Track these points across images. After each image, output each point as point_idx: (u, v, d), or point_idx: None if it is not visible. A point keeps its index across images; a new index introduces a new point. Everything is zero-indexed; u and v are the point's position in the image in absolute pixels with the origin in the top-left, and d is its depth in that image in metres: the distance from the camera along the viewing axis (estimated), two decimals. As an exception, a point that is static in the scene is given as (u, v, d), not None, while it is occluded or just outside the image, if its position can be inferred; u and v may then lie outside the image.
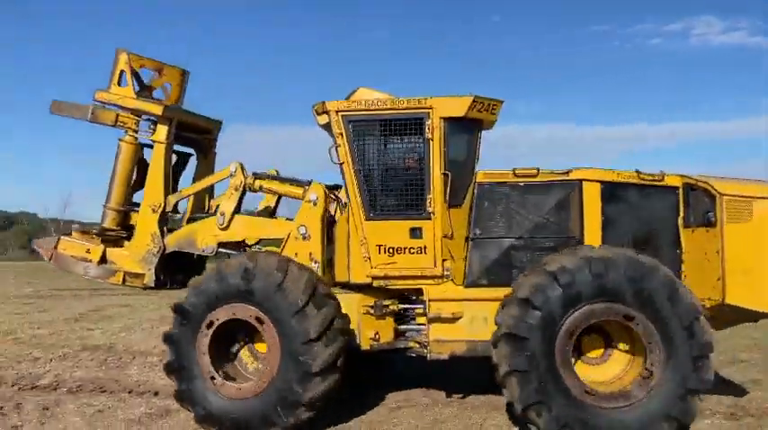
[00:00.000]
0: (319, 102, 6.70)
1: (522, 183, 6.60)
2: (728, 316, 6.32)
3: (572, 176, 6.53)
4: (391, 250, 6.62)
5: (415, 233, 6.57)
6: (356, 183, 6.65)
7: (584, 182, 6.47)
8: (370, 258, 6.64)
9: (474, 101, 6.48)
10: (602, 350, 6.16)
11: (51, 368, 9.13)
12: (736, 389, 7.71)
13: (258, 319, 6.11)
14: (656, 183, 6.48)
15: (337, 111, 6.61)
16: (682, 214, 6.39)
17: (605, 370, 6.07)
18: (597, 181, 6.47)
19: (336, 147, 6.68)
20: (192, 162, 8.31)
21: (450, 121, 6.51)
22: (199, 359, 6.20)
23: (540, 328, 5.61)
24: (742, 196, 6.15)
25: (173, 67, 8.01)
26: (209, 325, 6.19)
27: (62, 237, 7.69)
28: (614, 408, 5.59)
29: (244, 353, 6.67)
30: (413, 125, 6.54)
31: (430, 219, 6.52)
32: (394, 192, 6.72)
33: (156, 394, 7.71)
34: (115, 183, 7.59)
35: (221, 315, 6.18)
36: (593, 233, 6.41)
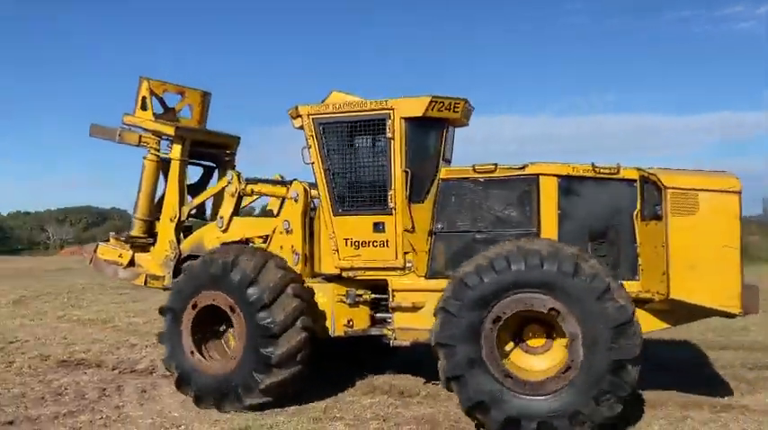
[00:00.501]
0: (293, 106, 7.18)
1: (481, 179, 6.79)
2: (681, 311, 6.20)
3: (528, 171, 6.62)
4: (357, 243, 7.03)
5: (378, 227, 6.94)
6: (325, 182, 7.13)
7: (540, 176, 6.54)
8: (338, 251, 7.10)
9: (432, 101, 6.74)
10: (543, 340, 6.21)
11: (147, 354, 9.80)
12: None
13: (231, 308, 6.81)
14: (612, 176, 6.38)
15: (309, 115, 7.09)
16: (638, 207, 6.23)
17: (542, 360, 6.14)
18: (553, 175, 6.50)
19: (308, 148, 7.16)
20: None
21: (411, 121, 6.81)
22: (183, 334, 7.02)
23: (469, 308, 5.88)
24: (687, 188, 6.01)
25: (194, 90, 8.91)
26: (194, 306, 7.01)
27: (100, 243, 8.84)
28: (530, 396, 5.77)
29: (230, 334, 7.26)
30: (376, 125, 6.91)
31: (391, 214, 6.85)
32: (359, 189, 7.09)
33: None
34: (141, 196, 8.51)
35: (203, 300, 6.97)
36: (549, 226, 6.48)
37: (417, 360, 9.27)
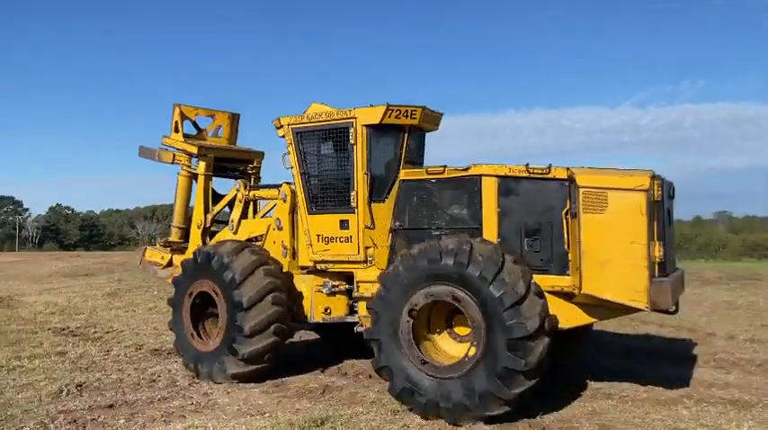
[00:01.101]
0: (276, 118, 8.07)
1: (433, 180, 7.30)
2: (602, 306, 6.39)
3: (471, 172, 7.04)
4: (326, 239, 7.83)
5: (344, 225, 7.67)
6: (301, 184, 7.99)
7: (482, 177, 6.93)
8: (311, 245, 7.93)
9: (387, 109, 7.38)
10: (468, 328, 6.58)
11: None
12: None
13: (215, 292, 7.97)
14: (544, 176, 6.61)
15: (288, 125, 7.97)
16: (567, 206, 6.42)
17: (465, 346, 6.54)
18: (493, 175, 6.88)
19: (288, 154, 8.05)
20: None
21: (371, 128, 7.49)
22: (184, 319, 8.29)
23: (388, 304, 6.61)
24: (596, 187, 6.32)
25: (223, 113, 10.09)
26: (190, 294, 8.27)
27: (148, 247, 10.20)
28: (443, 378, 6.32)
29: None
30: (342, 133, 7.63)
31: (354, 212, 7.53)
32: (328, 191, 7.88)
33: (322, 371, 8.38)
34: (176, 206, 9.85)
35: (195, 288, 8.22)
36: (490, 224, 6.88)
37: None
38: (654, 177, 6.22)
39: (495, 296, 6.02)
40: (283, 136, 8.05)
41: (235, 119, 10.21)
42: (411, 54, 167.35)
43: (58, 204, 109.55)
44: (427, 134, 8.28)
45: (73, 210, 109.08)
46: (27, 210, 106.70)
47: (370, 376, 8.05)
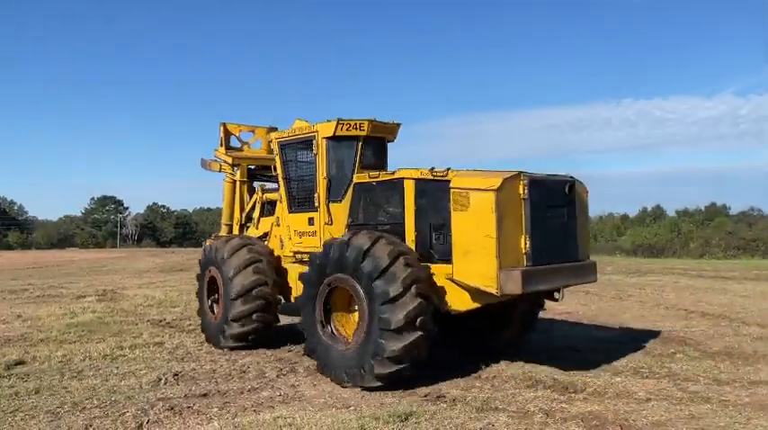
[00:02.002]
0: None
1: (373, 183, 8.50)
2: (477, 291, 7.22)
3: (396, 176, 8.18)
4: (300, 233, 9.33)
5: (310, 221, 9.09)
6: (284, 188, 9.56)
7: (404, 180, 8.02)
8: (291, 239, 9.46)
9: (338, 123, 8.65)
10: None
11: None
12: None
13: (216, 277, 9.85)
14: (443, 178, 7.57)
15: (275, 138, 9.68)
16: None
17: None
18: (411, 178, 7.95)
19: (275, 163, 9.75)
20: None
21: (329, 140, 8.78)
22: (202, 298, 10.36)
23: (310, 283, 8.05)
24: (462, 188, 7.25)
25: (262, 128, 11.67)
26: (204, 277, 10.26)
27: (207, 241, 11.45)
28: (340, 349, 7.64)
29: None
30: (309, 144, 9.01)
31: (317, 211, 8.91)
32: (301, 193, 9.30)
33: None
34: (223, 207, 11.64)
35: (207, 274, 10.14)
36: (410, 220, 7.96)
37: (582, 356, 9.01)
38: (514, 178, 7.10)
39: (378, 292, 7.12)
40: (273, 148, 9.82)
41: (271, 132, 11.28)
42: (507, 47, 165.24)
43: (154, 203, 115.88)
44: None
45: (168, 209, 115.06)
46: (127, 208, 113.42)
47: (454, 373, 8.01)
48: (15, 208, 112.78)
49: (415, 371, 7.31)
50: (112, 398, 6.96)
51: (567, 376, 7.78)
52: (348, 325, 7.94)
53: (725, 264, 32.83)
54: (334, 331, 7.89)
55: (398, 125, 9.24)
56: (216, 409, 6.58)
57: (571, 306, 14.83)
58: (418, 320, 7.06)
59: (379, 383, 7.14)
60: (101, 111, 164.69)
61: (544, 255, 7.33)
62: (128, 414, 6.41)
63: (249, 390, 7.34)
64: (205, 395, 7.13)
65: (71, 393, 7.18)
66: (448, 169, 7.58)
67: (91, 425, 6.08)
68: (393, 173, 8.25)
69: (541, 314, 13.00)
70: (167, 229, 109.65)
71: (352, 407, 6.62)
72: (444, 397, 6.97)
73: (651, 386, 7.36)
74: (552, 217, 7.56)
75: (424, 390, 7.24)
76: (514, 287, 6.85)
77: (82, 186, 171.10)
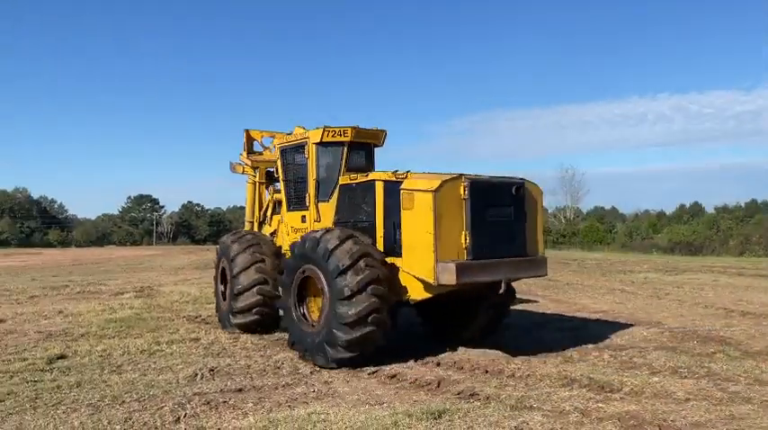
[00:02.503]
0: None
1: (353, 184, 9.22)
2: (424, 282, 8.12)
3: (369, 178, 8.95)
4: (295, 230, 10.28)
5: (303, 219, 10.14)
6: (284, 189, 10.67)
7: (375, 182, 8.78)
8: (289, 235, 10.47)
9: (324, 130, 9.55)
10: None
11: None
12: None
13: (225, 268, 11.10)
14: (401, 179, 8.41)
15: (276, 144, 10.90)
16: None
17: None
18: (381, 180, 8.69)
19: (276, 166, 10.98)
20: None
21: (318, 145, 9.70)
22: (216, 283, 11.69)
23: (288, 273, 9.05)
24: (408, 189, 8.19)
25: (281, 134, 11.86)
26: (218, 267, 11.51)
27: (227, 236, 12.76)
28: (307, 330, 8.66)
29: None
30: (302, 149, 9.97)
31: (308, 210, 9.91)
32: (297, 193, 10.32)
33: (438, 364, 8.40)
34: (246, 206, 12.73)
35: (220, 264, 11.39)
36: (380, 218, 8.73)
37: (618, 355, 8.88)
38: (454, 180, 8.03)
39: (338, 287, 7.99)
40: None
41: None
42: (539, 41, 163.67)
43: (189, 202, 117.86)
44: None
45: (202, 207, 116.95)
46: (163, 207, 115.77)
47: (487, 371, 7.97)
48: (56, 206, 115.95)
49: (370, 356, 8.25)
50: (150, 393, 7.10)
51: (602, 375, 7.66)
52: (316, 310, 8.85)
53: (766, 261, 31.94)
54: (304, 313, 8.93)
55: (383, 131, 10.15)
56: (251, 404, 6.66)
57: (607, 304, 14.62)
58: (370, 317, 7.92)
59: (334, 365, 8.18)
60: (138, 111, 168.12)
61: (485, 250, 8.12)
62: (165, 408, 6.53)
63: (283, 386, 7.41)
64: (240, 390, 7.23)
65: (111, 387, 7.35)
66: (407, 172, 8.44)
67: (130, 419, 6.21)
68: (367, 175, 9.09)
69: (576, 313, 12.85)
70: (202, 227, 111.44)
71: (385, 404, 6.63)
72: (478, 395, 6.93)
73: (690, 386, 7.21)
74: (495, 215, 8.34)
75: (457, 388, 7.21)
76: (450, 278, 7.71)
77: (119, 185, 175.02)
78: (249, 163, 12.44)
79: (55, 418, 6.23)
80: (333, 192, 9.54)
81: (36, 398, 6.87)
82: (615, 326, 11.38)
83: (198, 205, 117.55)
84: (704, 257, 41.32)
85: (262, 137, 12.67)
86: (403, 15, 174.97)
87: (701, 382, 7.37)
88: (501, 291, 8.13)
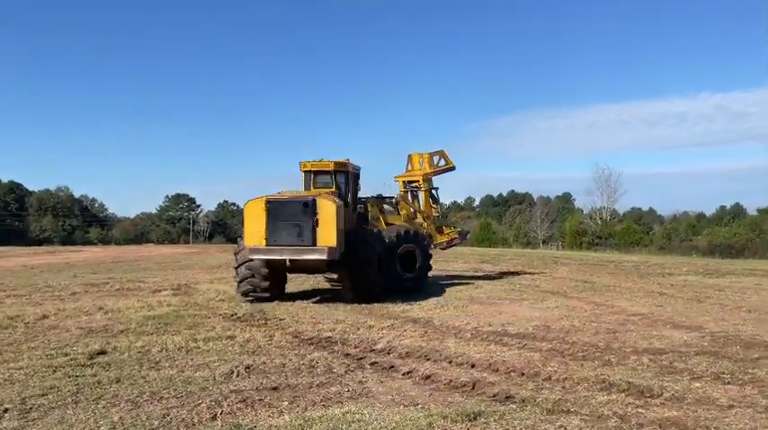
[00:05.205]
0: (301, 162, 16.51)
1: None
2: None
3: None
4: None
5: None
6: None
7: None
8: None
9: (335, 163, 16.05)
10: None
11: (383, 335, 10.57)
12: None
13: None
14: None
15: (303, 167, 16.29)
16: None
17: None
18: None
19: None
20: None
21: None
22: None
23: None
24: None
25: (416, 154, 18.61)
26: (238, 246, 15.58)
27: None
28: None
29: None
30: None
31: None
32: None
33: (472, 366, 8.26)
34: None
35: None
36: None
37: (658, 359, 8.68)
38: (260, 199, 14.23)
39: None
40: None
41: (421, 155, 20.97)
42: (578, 41, 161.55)
43: (225, 201, 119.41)
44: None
45: (238, 207, 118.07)
46: (199, 206, 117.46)
47: (523, 374, 7.87)
48: (96, 205, 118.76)
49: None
50: (188, 389, 7.20)
51: (642, 380, 7.50)
52: None
53: (813, 265, 30.85)
54: None
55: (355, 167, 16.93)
56: (286, 403, 6.69)
57: (645, 307, 14.31)
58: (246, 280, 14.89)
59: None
60: (176, 113, 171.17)
61: (276, 240, 13.87)
62: (202, 404, 6.61)
63: (318, 385, 7.43)
64: (275, 388, 7.27)
65: (149, 383, 7.47)
66: (282, 191, 14.50)
67: (168, 414, 6.30)
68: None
69: (613, 315, 12.61)
70: (237, 226, 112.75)
71: (419, 405, 6.59)
72: (514, 397, 6.85)
73: (734, 392, 7.00)
74: (287, 220, 13.85)
75: (492, 390, 7.14)
76: (252, 254, 14.17)
77: (157, 184, 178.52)
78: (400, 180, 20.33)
79: (95, 413, 6.35)
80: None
81: (77, 393, 7.02)
82: (654, 329, 11.13)
83: (233, 204, 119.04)
84: (746, 260, 40.14)
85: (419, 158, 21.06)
86: (434, 14, 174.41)
87: (746, 389, 7.15)
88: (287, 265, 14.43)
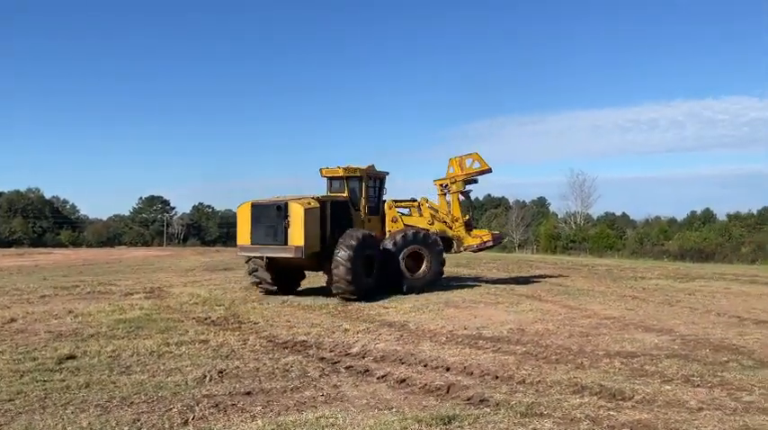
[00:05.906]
0: (321, 169, 18.53)
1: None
2: None
3: None
4: None
5: None
6: None
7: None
8: None
9: (344, 169, 17.80)
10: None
11: (359, 339, 10.54)
12: None
13: None
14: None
15: (324, 173, 18.37)
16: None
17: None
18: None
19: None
20: None
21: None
22: None
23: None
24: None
25: (454, 158, 19.56)
26: None
27: None
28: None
29: None
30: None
31: None
32: None
33: (447, 369, 8.29)
34: None
35: None
36: None
37: (629, 362, 8.78)
38: (247, 203, 16.59)
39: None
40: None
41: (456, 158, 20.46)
42: (553, 47, 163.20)
43: (200, 203, 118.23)
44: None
45: (213, 209, 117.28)
46: (174, 208, 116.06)
47: (497, 377, 7.91)
48: (68, 207, 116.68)
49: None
50: (159, 394, 7.10)
51: (614, 383, 7.59)
52: None
53: (779, 269, 31.55)
54: None
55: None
56: (259, 408, 6.63)
57: (617, 311, 14.49)
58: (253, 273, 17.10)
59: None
60: (151, 115, 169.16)
61: (258, 240, 16.03)
62: (174, 410, 6.52)
63: (292, 390, 7.38)
64: (249, 393, 7.20)
65: (120, 388, 7.34)
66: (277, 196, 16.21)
67: (138, 420, 6.20)
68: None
69: (586, 318, 12.74)
70: (212, 229, 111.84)
71: (394, 409, 6.59)
72: (488, 401, 6.87)
73: (703, 395, 7.12)
74: (265, 222, 15.92)
75: (467, 393, 7.16)
76: (240, 252, 16.78)
77: (130, 186, 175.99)
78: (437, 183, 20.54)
79: (63, 419, 6.23)
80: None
81: (45, 398, 6.88)
82: (625, 333, 11.27)
83: (208, 207, 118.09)
84: (716, 265, 40.92)
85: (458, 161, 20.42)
86: (412, 16, 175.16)
87: (715, 391, 7.28)
88: (263, 257, 16.24)
